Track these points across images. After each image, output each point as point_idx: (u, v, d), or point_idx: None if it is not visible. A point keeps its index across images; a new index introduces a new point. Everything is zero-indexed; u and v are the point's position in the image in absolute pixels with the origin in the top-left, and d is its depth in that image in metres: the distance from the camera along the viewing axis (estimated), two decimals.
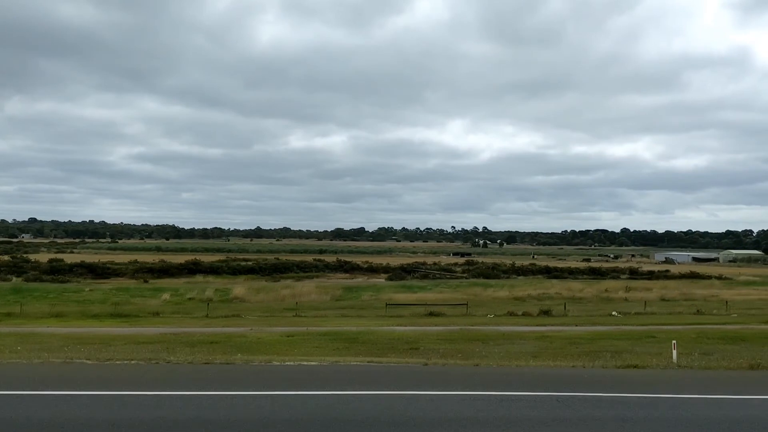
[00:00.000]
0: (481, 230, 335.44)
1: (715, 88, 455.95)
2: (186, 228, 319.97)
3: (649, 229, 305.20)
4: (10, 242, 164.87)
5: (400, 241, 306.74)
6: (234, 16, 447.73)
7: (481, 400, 8.38)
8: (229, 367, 11.84)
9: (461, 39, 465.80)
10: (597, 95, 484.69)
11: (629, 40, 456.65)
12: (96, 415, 7.17)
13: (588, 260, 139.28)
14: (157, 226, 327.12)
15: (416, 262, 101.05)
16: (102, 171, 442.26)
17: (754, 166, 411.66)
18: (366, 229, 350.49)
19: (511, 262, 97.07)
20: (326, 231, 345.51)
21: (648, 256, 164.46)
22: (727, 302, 43.72)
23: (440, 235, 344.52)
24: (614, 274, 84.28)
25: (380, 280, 72.01)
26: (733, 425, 7.22)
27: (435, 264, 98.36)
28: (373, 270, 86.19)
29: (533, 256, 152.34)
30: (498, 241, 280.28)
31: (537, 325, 34.89)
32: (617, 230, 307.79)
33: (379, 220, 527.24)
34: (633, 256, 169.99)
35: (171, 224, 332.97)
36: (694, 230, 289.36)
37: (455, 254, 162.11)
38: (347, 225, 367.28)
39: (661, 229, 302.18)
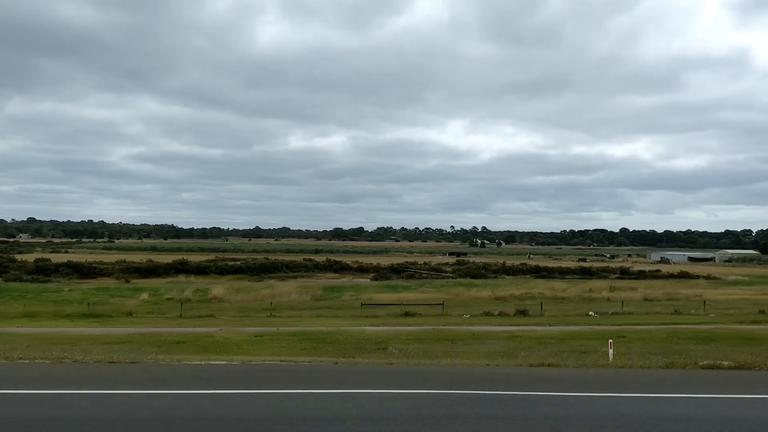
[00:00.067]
0: (480, 230, 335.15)
1: (714, 88, 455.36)
2: (185, 228, 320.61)
3: (648, 229, 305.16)
4: (6, 242, 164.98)
5: (398, 241, 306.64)
6: (234, 17, 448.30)
7: (359, 398, 8.27)
8: (133, 366, 11.67)
9: (461, 39, 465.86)
10: (597, 95, 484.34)
11: (629, 40, 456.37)
12: None
13: (584, 260, 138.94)
14: (156, 226, 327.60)
15: (407, 262, 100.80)
16: (102, 171, 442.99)
17: (753, 166, 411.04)
18: (365, 229, 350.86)
19: (501, 262, 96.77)
20: (325, 231, 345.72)
21: (645, 256, 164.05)
22: (705, 302, 43.42)
23: (439, 235, 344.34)
24: (604, 274, 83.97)
25: (365, 280, 71.80)
26: (607, 422, 7.10)
27: (425, 264, 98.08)
28: (362, 270, 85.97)
29: (529, 256, 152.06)
30: (496, 241, 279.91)
31: (510, 325, 34.71)
32: (616, 230, 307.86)
33: (379, 220, 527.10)
34: (629, 255, 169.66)
35: (170, 224, 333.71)
36: (693, 230, 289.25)
37: (451, 254, 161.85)
38: (347, 225, 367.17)
39: (660, 229, 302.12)
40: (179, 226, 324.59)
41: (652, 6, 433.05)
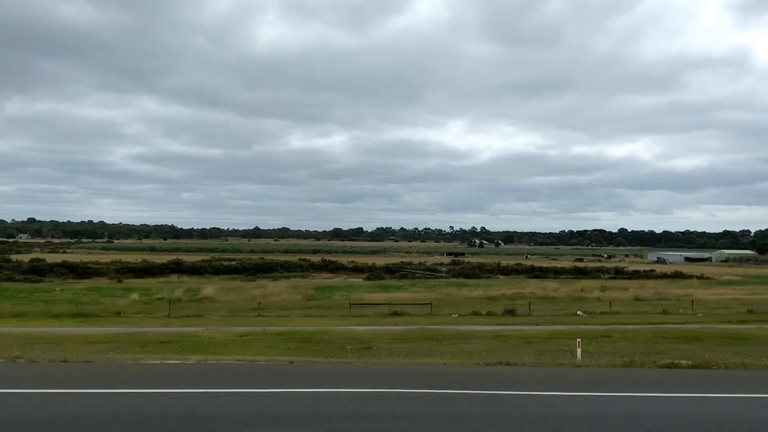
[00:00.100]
0: (479, 230, 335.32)
1: (714, 88, 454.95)
2: (185, 228, 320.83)
3: (646, 230, 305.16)
4: (6, 242, 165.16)
5: (398, 241, 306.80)
6: (234, 17, 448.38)
7: (295, 397, 8.34)
8: (85, 365, 11.79)
9: (461, 39, 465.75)
10: (597, 95, 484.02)
11: (629, 40, 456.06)
12: None
13: (580, 260, 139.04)
14: (155, 226, 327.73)
15: (402, 262, 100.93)
16: (102, 171, 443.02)
17: (753, 166, 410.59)
18: (364, 229, 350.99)
19: (496, 262, 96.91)
20: (325, 231, 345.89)
21: (642, 257, 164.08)
22: (693, 302, 43.53)
23: (438, 235, 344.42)
24: (598, 274, 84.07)
25: (359, 280, 71.96)
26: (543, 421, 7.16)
27: (420, 264, 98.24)
28: (357, 270, 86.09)
29: (526, 256, 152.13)
30: (495, 242, 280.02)
31: (497, 325, 34.83)
32: (615, 231, 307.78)
33: (378, 221, 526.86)
34: (626, 256, 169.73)
35: (170, 224, 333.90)
36: (691, 230, 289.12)
37: (448, 254, 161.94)
38: (347, 225, 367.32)
39: (658, 230, 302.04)
40: (179, 227, 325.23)
41: (652, 6, 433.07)
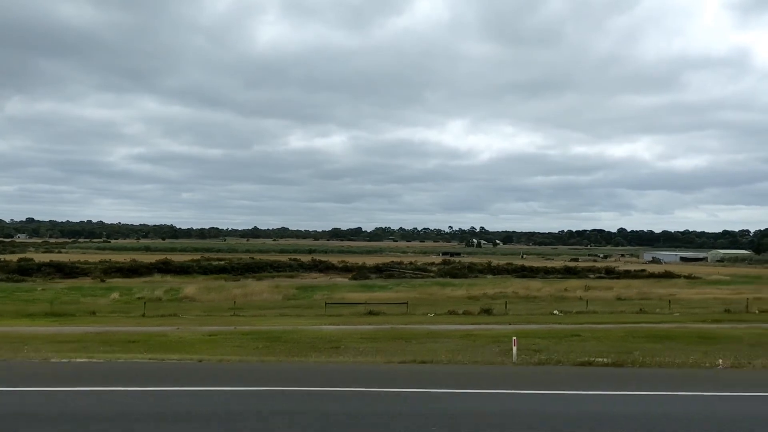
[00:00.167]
0: (478, 230, 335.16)
1: (714, 88, 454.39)
2: (184, 228, 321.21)
3: (645, 229, 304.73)
4: (2, 242, 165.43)
5: (396, 241, 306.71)
6: (234, 17, 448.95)
7: (173, 396, 8.37)
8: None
9: (461, 39, 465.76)
10: (597, 95, 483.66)
11: (629, 40, 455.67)
12: None
13: (576, 260, 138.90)
14: (154, 226, 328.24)
15: (392, 261, 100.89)
16: (102, 171, 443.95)
17: (753, 166, 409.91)
18: (363, 229, 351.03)
19: (487, 262, 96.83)
20: (324, 231, 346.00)
21: (638, 256, 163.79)
22: (670, 301, 43.45)
23: (437, 235, 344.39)
24: (588, 273, 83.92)
25: (344, 279, 71.92)
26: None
27: (411, 264, 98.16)
28: (348, 270, 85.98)
29: (522, 256, 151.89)
30: (493, 241, 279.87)
31: (471, 324, 34.74)
32: (615, 230, 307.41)
33: (379, 221, 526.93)
34: (623, 255, 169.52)
35: (169, 224, 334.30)
36: (691, 230, 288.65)
37: (444, 254, 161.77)
38: (347, 225, 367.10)
39: (658, 230, 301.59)
40: (179, 227, 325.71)
41: (652, 6, 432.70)
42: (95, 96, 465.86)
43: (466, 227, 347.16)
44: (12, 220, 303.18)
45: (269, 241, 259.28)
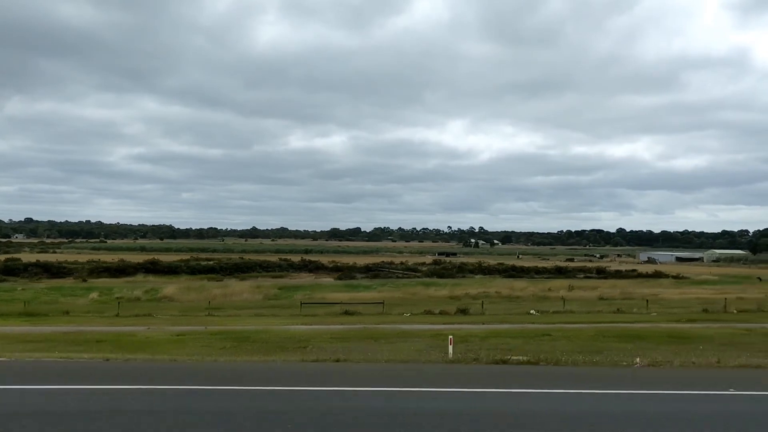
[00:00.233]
0: (477, 230, 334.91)
1: (714, 88, 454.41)
2: (183, 228, 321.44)
3: (645, 230, 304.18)
4: None
5: (395, 241, 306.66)
6: (234, 17, 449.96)
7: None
8: None
9: (461, 39, 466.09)
10: (597, 95, 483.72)
11: (629, 40, 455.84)
12: None
13: (571, 260, 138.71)
14: (153, 226, 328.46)
15: (383, 261, 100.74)
16: (102, 171, 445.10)
17: (753, 166, 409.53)
18: (362, 230, 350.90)
19: (478, 262, 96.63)
20: (323, 231, 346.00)
21: (634, 257, 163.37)
22: (648, 301, 43.27)
23: (436, 235, 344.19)
24: (578, 273, 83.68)
25: (330, 279, 71.75)
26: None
27: (402, 264, 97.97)
28: (338, 270, 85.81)
29: (518, 256, 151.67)
30: (492, 241, 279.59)
31: (444, 324, 34.56)
32: (614, 231, 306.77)
33: (379, 221, 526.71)
34: (619, 255, 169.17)
35: (168, 224, 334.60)
36: (690, 230, 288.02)
37: (440, 254, 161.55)
38: (347, 225, 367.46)
39: (658, 230, 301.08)
40: (178, 227, 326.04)
41: (652, 6, 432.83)
42: (95, 96, 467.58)
43: (466, 227, 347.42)
44: (11, 220, 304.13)
45: (267, 242, 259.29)
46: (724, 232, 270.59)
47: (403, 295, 53.14)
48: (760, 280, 72.41)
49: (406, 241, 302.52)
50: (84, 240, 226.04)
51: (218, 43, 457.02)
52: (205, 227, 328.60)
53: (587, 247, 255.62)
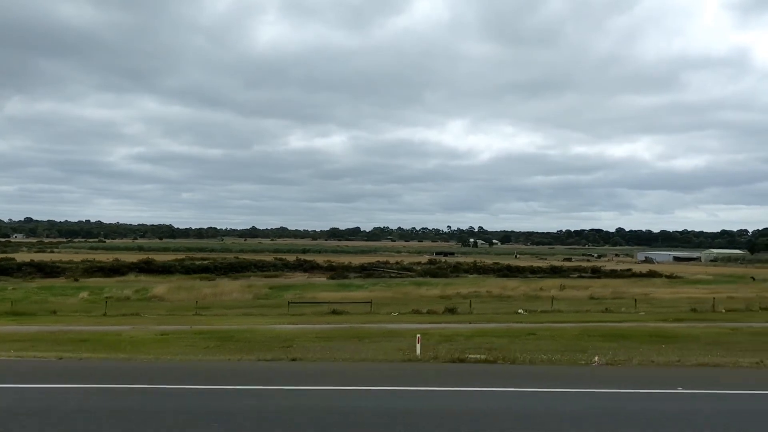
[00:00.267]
0: (477, 230, 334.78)
1: (714, 88, 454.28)
2: (182, 228, 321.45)
3: (644, 229, 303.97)
4: None
5: (394, 240, 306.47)
6: (234, 17, 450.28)
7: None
8: None
9: (461, 39, 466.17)
10: (597, 95, 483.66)
11: (629, 40, 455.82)
12: None
13: (569, 259, 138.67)
14: (152, 226, 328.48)
15: (378, 261, 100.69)
16: (102, 171, 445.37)
17: (753, 166, 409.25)
18: (362, 229, 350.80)
19: (473, 261, 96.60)
20: (322, 231, 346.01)
21: (632, 256, 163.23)
22: (636, 300, 43.26)
23: (436, 234, 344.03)
24: (573, 273, 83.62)
25: (323, 279, 71.73)
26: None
27: (397, 263, 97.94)
28: (332, 269, 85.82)
29: (516, 256, 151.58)
30: (490, 241, 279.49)
31: (430, 323, 34.52)
32: (614, 230, 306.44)
33: (379, 221, 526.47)
34: (617, 255, 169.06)
35: (168, 224, 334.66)
36: (689, 230, 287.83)
37: (438, 254, 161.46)
38: (347, 225, 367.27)
39: (657, 229, 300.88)
40: (178, 227, 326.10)
41: (652, 6, 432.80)
42: (95, 96, 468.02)
43: (465, 227, 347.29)
44: (10, 219, 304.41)
45: (267, 241, 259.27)
46: (724, 232, 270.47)
47: (394, 295, 53.12)
48: (754, 279, 72.41)
49: (406, 241, 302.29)
50: (83, 240, 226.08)
51: (218, 43, 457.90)
52: (205, 227, 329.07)
53: (586, 246, 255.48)
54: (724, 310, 39.87)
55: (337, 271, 78.43)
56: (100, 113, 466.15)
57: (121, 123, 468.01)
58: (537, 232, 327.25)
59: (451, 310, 39.78)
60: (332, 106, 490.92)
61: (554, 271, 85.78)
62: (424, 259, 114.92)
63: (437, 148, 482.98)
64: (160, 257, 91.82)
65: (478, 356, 12.48)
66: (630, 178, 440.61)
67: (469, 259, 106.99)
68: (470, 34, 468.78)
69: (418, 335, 15.89)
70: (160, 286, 53.09)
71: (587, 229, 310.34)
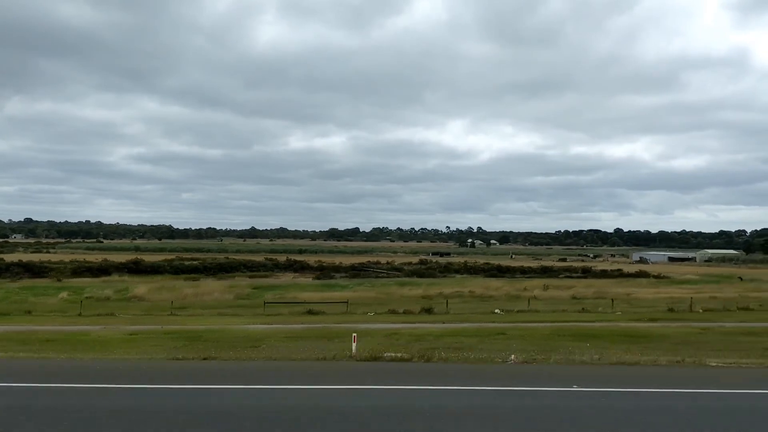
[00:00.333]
0: (476, 230, 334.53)
1: (714, 88, 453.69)
2: (182, 228, 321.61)
3: (642, 230, 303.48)
4: None
5: (394, 241, 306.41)
6: (234, 17, 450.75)
7: None
8: None
9: (461, 39, 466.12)
10: (597, 95, 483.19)
11: (629, 40, 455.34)
12: None
13: (564, 260, 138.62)
14: (152, 226, 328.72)
15: (368, 261, 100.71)
16: (102, 171, 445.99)
17: (753, 166, 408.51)
18: (361, 230, 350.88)
19: (463, 261, 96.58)
20: (322, 231, 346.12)
21: (628, 257, 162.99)
22: (612, 300, 43.23)
23: (435, 235, 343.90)
24: (563, 273, 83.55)
25: (308, 279, 71.75)
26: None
27: (388, 263, 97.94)
28: (322, 269, 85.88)
29: (511, 256, 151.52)
30: (488, 241, 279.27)
31: (403, 323, 34.51)
32: (613, 231, 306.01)
33: (378, 221, 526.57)
34: (612, 255, 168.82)
35: (168, 225, 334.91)
36: (688, 230, 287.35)
37: (434, 254, 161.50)
38: (347, 225, 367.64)
39: (657, 230, 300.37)
40: (178, 227, 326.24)
41: (652, 6, 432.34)
42: (95, 96, 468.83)
43: (465, 227, 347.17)
44: (10, 220, 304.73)
45: (265, 242, 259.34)
46: (722, 232, 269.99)
47: (377, 295, 53.11)
48: (741, 279, 72.31)
49: (404, 242, 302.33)
50: (81, 240, 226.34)
51: (218, 43, 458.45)
52: (205, 227, 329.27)
53: (584, 247, 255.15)
54: (701, 310, 39.81)
55: (324, 272, 78.41)
56: (100, 113, 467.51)
57: (121, 123, 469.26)
58: (535, 233, 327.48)
59: (428, 310, 39.78)
60: (332, 106, 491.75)
61: (544, 272, 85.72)
62: (415, 259, 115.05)
63: (437, 148, 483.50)
64: (151, 258, 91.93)
65: (393, 354, 12.48)
66: (630, 179, 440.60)
67: (461, 260, 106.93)
68: (470, 34, 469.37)
69: (354, 334, 15.86)
70: (141, 287, 53.17)
71: (586, 229, 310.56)
